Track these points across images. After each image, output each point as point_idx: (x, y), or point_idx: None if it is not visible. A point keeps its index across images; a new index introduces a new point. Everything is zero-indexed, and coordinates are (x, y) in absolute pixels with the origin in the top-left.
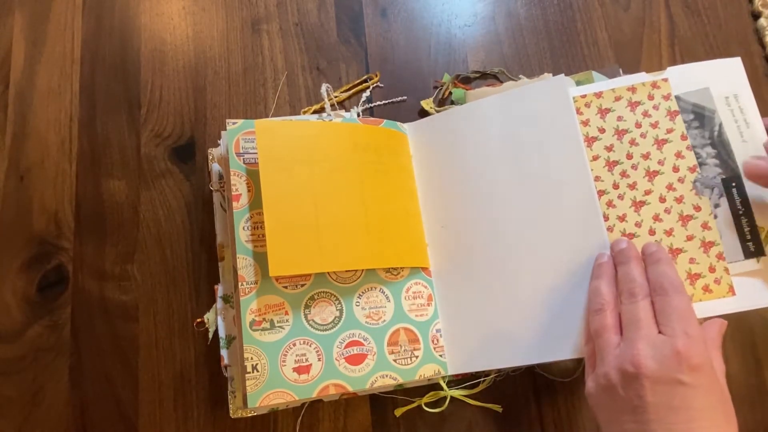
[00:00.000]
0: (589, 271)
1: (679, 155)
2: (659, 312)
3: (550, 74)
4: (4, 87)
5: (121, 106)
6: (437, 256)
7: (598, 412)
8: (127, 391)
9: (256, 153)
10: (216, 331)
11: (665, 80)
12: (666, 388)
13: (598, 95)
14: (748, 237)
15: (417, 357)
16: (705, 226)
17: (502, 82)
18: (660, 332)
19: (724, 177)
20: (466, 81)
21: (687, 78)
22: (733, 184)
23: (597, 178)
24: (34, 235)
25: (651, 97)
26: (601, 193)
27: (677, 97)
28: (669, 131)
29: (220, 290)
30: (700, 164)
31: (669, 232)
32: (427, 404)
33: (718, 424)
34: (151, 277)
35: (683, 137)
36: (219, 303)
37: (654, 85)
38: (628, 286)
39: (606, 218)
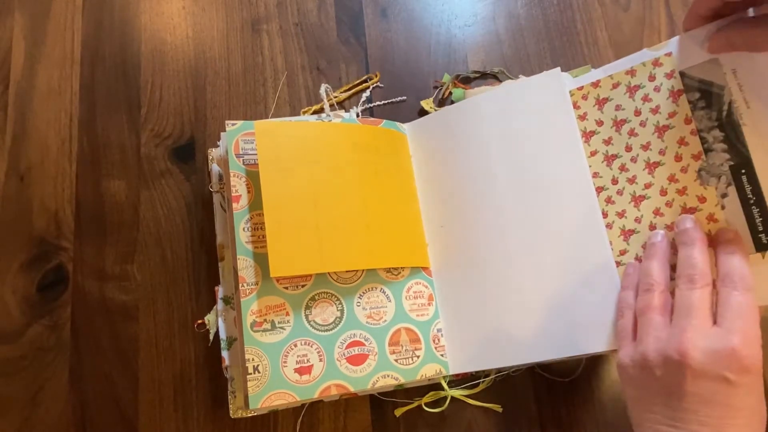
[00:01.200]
0: (589, 270)
1: (682, 142)
2: (721, 303)
3: None
4: (4, 87)
5: (121, 106)
6: (437, 256)
7: (628, 387)
8: (127, 391)
9: (255, 154)
10: (217, 333)
11: (668, 55)
12: (709, 383)
13: (595, 85)
14: (761, 228)
15: (418, 357)
16: (711, 218)
17: (501, 81)
18: (715, 324)
19: (732, 164)
20: (466, 81)
21: (695, 49)
22: (743, 171)
23: (595, 174)
24: (34, 235)
25: (652, 78)
26: (599, 189)
27: (682, 74)
28: (671, 115)
29: (220, 292)
30: (706, 150)
31: (670, 227)
32: (427, 404)
33: (751, 424)
34: (151, 277)
35: (687, 121)
36: (219, 304)
37: (656, 63)
38: (688, 272)
39: (605, 215)
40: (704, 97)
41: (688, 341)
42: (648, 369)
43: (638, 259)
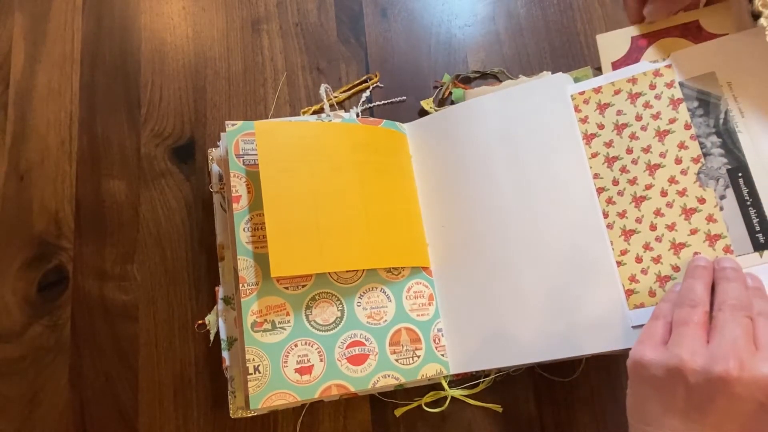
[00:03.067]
0: (589, 270)
1: (682, 146)
2: (763, 333)
3: (549, 72)
4: (4, 87)
5: (121, 106)
6: (438, 256)
7: (639, 384)
8: (127, 391)
9: (255, 154)
10: (217, 333)
11: (668, 67)
12: (744, 405)
13: (597, 90)
14: (758, 228)
15: (419, 357)
16: (710, 218)
17: (501, 81)
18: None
19: (729, 167)
20: (466, 81)
21: (692, 62)
22: (740, 174)
23: (596, 176)
24: (34, 235)
25: (653, 87)
26: (600, 190)
27: (681, 84)
28: (671, 121)
29: (221, 292)
30: (705, 154)
31: (671, 227)
32: (427, 404)
33: None
34: (151, 277)
35: (687, 126)
36: (220, 305)
37: (656, 73)
38: (731, 302)
39: (605, 215)
40: (702, 105)
41: (736, 361)
42: (680, 376)
43: (638, 259)
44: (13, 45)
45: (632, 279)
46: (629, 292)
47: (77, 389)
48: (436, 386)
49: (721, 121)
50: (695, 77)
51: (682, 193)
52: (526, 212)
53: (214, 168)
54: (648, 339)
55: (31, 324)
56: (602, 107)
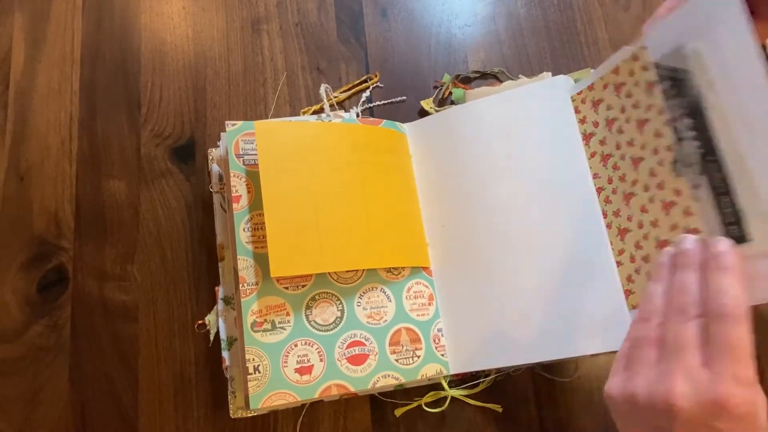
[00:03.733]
0: (589, 271)
1: (658, 134)
2: (710, 341)
3: (549, 73)
4: (4, 87)
5: (121, 106)
6: (438, 256)
7: (615, 417)
8: (127, 391)
9: (255, 154)
10: (217, 333)
11: (644, 48)
12: (697, 427)
13: (591, 88)
14: (732, 219)
15: (419, 357)
16: (687, 212)
17: (501, 81)
18: (707, 363)
19: (702, 152)
20: (466, 81)
21: (662, 38)
22: (713, 158)
23: (595, 176)
24: (34, 235)
25: (632, 73)
26: (599, 190)
27: (656, 65)
28: (649, 108)
29: (221, 292)
30: (679, 140)
31: (654, 223)
32: (427, 404)
33: None
34: (151, 277)
35: (661, 111)
36: (220, 305)
37: (634, 58)
38: (679, 300)
39: (604, 215)
40: (675, 85)
41: (675, 388)
42: (636, 405)
43: (632, 259)
44: (13, 45)
45: (629, 279)
46: (627, 293)
47: (77, 389)
48: (436, 386)
49: (692, 98)
50: (667, 54)
51: (661, 186)
52: (526, 212)
53: (214, 168)
54: (615, 368)
55: (31, 324)
56: (596, 104)
